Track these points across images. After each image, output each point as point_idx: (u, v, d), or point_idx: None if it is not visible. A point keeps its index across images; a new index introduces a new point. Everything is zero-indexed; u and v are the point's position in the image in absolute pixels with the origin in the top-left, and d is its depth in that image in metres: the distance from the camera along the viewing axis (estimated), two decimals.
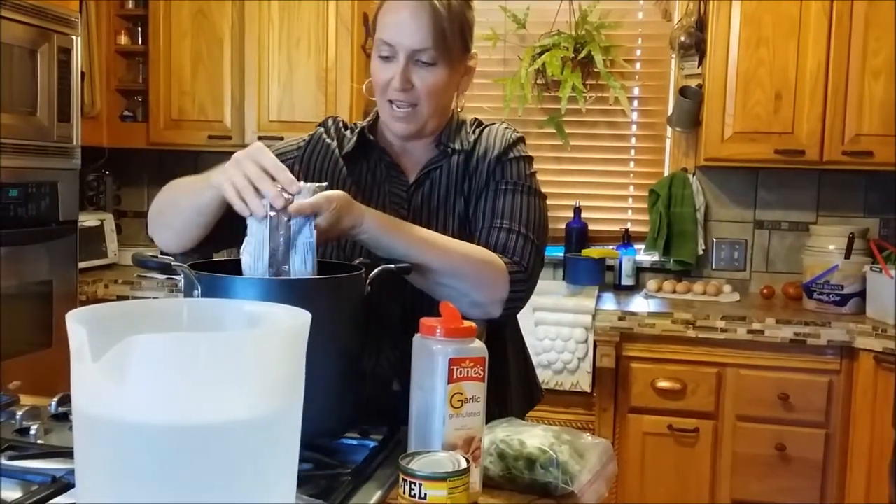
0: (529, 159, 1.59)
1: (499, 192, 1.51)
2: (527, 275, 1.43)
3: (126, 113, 3.71)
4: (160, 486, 0.64)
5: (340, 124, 1.63)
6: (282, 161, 1.27)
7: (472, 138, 1.57)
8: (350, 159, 1.57)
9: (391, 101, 1.47)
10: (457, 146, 1.54)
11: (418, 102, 1.46)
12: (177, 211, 1.41)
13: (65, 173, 2.99)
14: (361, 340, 1.28)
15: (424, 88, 1.45)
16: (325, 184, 1.27)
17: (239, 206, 1.22)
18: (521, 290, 1.41)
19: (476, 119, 1.62)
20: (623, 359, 2.91)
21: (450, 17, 1.42)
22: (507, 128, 1.60)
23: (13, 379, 2.51)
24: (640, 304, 3.08)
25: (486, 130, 1.58)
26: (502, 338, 1.59)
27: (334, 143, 1.59)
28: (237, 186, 1.21)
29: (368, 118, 1.60)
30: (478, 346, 1.11)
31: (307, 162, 1.58)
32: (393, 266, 1.33)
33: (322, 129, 1.63)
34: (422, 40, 1.41)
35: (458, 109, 1.60)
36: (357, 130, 1.58)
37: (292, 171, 1.24)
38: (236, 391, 0.65)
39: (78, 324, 0.64)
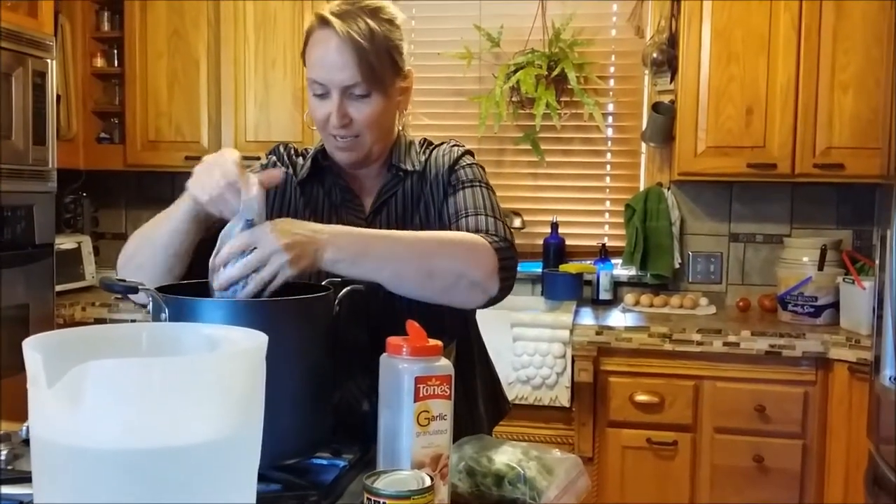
0: (480, 166, 1.60)
1: (457, 191, 1.53)
2: (508, 243, 1.42)
3: (102, 135, 3.71)
4: None
5: (291, 151, 1.64)
6: None
7: (422, 158, 1.58)
8: (304, 185, 1.58)
9: (333, 136, 1.48)
10: (408, 167, 1.56)
11: (360, 133, 1.47)
12: (150, 246, 1.40)
13: (40, 196, 2.99)
14: (331, 361, 1.29)
15: (363, 120, 1.45)
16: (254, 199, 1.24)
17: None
18: (508, 258, 1.40)
19: (425, 139, 1.64)
20: (601, 373, 2.93)
21: (374, 47, 1.42)
22: (454, 145, 1.62)
23: None
24: (617, 319, 3.10)
25: (434, 151, 1.60)
26: (469, 354, 1.61)
27: (290, 171, 1.60)
28: (211, 195, 1.27)
29: (320, 142, 1.61)
30: (444, 364, 1.12)
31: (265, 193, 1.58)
32: (361, 285, 1.34)
33: (274, 157, 1.64)
34: (350, 76, 1.41)
35: (400, 128, 1.61)
36: (310, 156, 1.59)
37: None
38: (192, 415, 0.66)
39: (33, 350, 0.65)
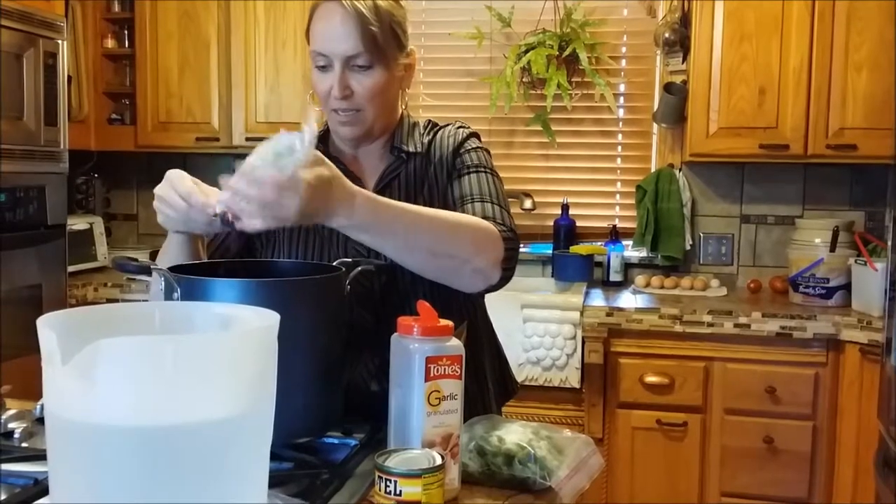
0: (486, 150, 1.60)
1: (462, 177, 1.53)
2: (514, 234, 1.43)
3: (114, 116, 3.72)
4: (131, 487, 0.65)
5: None
6: None
7: (426, 140, 1.58)
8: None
9: (335, 110, 1.48)
10: (410, 149, 1.56)
11: (361, 108, 1.48)
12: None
13: (52, 177, 3.00)
14: (341, 341, 1.30)
15: (364, 92, 1.46)
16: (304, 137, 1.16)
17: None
18: (512, 249, 1.41)
19: (430, 121, 1.64)
20: (611, 354, 2.93)
21: (378, 18, 1.43)
22: (459, 127, 1.62)
23: (3, 383, 2.51)
24: (627, 300, 3.10)
25: (439, 132, 1.60)
26: (476, 334, 1.61)
27: None
28: (174, 221, 1.29)
29: (320, 129, 1.61)
30: (455, 345, 1.12)
31: None
32: (373, 266, 1.34)
33: None
34: (353, 46, 1.42)
35: (404, 108, 1.61)
36: None
37: None
38: (204, 393, 0.67)
39: (48, 328, 0.65)
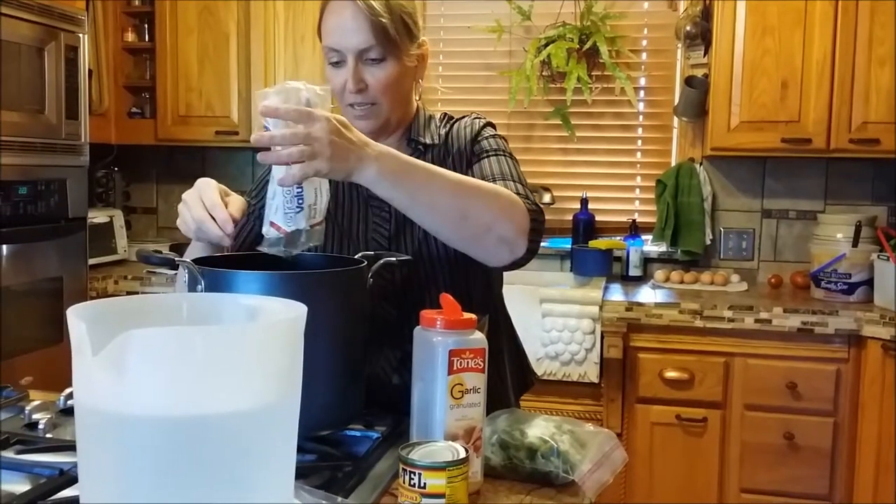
0: (503, 137, 1.60)
1: (482, 160, 1.53)
2: (537, 207, 1.42)
3: (134, 109, 3.73)
4: (160, 477, 0.66)
5: None
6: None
7: (442, 132, 1.59)
8: None
9: (351, 104, 1.49)
10: (427, 141, 1.56)
11: (377, 101, 1.48)
12: None
13: (73, 170, 3.01)
14: (364, 333, 1.30)
15: (378, 85, 1.47)
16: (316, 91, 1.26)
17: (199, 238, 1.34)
18: (538, 221, 1.39)
19: (445, 114, 1.64)
20: (631, 349, 2.92)
21: (388, 10, 1.44)
22: (475, 118, 1.62)
23: (25, 375, 2.53)
24: (647, 295, 3.08)
25: (455, 124, 1.60)
26: (495, 325, 1.61)
27: None
28: (190, 228, 1.31)
29: None
30: (478, 338, 1.12)
31: None
32: (394, 259, 1.34)
33: None
34: (365, 39, 1.43)
35: (418, 98, 1.61)
36: None
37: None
38: (233, 384, 0.67)
39: (78, 318, 0.66)
